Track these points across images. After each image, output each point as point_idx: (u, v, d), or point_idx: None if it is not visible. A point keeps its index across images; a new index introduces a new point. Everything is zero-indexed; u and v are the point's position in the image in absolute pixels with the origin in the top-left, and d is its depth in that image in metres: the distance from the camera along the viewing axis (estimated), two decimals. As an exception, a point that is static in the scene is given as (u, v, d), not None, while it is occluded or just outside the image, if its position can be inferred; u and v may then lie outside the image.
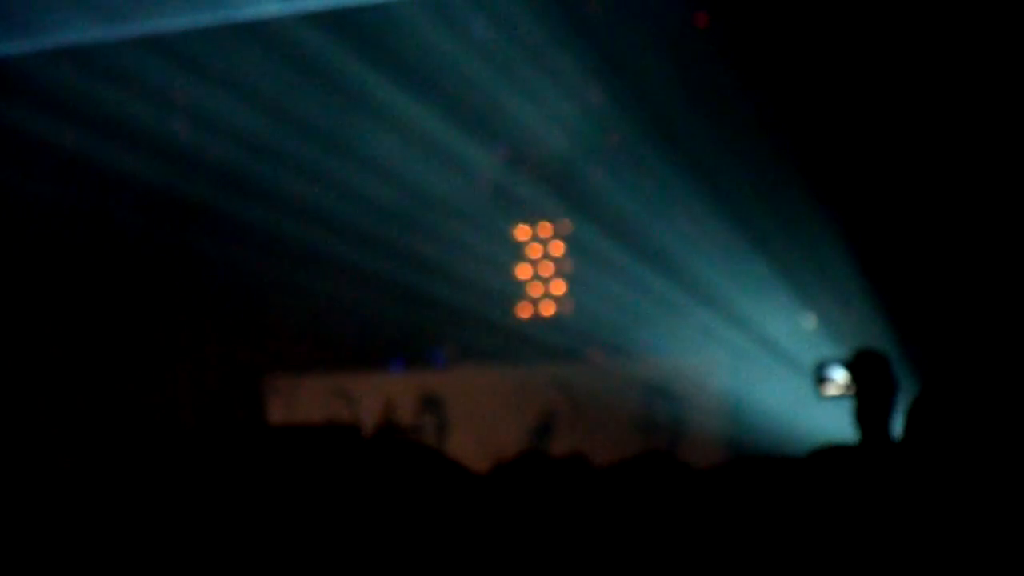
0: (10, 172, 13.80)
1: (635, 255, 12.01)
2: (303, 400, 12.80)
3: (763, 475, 3.27)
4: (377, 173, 12.90)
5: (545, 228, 12.74)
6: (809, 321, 11.60)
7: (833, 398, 7.78)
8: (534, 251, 12.74)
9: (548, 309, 12.62)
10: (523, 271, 12.75)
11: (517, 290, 12.71)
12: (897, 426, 6.22)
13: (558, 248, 12.70)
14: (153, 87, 13.67)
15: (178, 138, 13.50)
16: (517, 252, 12.82)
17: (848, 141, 11.13)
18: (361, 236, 12.90)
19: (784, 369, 11.27)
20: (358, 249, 12.88)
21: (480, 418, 12.16)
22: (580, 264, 12.45)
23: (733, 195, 11.58)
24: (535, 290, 12.70)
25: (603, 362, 12.29)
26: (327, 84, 12.99)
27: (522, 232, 12.75)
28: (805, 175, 11.17)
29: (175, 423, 13.20)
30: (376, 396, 12.76)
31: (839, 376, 7.38)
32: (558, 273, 12.66)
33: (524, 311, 12.68)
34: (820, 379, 7.83)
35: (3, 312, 14.12)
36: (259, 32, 13.15)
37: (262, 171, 12.98)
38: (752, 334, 11.53)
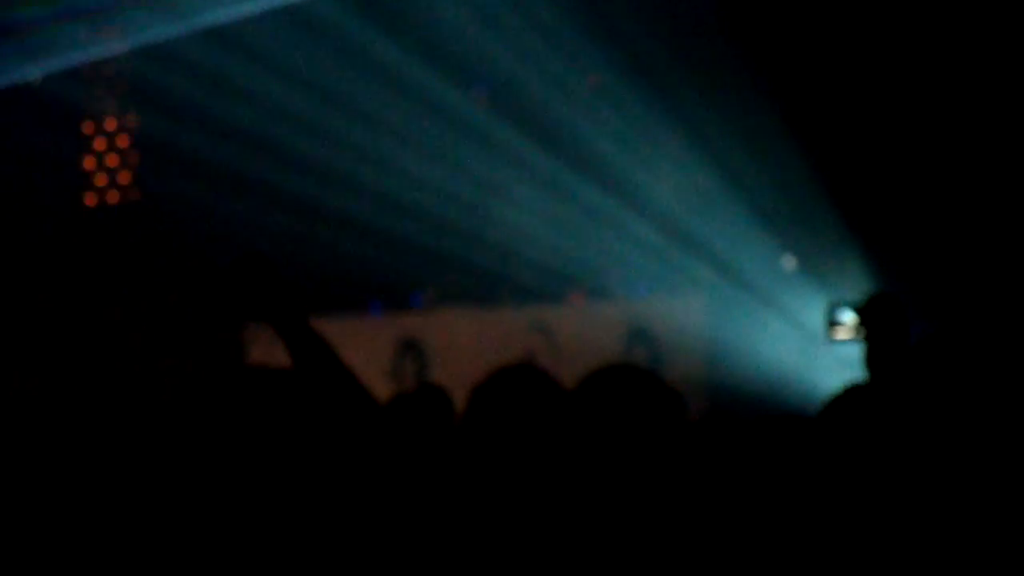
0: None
1: (614, 196, 11.99)
2: (282, 344, 12.78)
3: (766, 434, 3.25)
4: (355, 116, 12.85)
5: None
6: (789, 262, 11.60)
7: (843, 342, 7.77)
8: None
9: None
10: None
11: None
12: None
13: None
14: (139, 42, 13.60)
15: (152, 87, 13.44)
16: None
17: (833, 80, 11.10)
18: (338, 179, 12.87)
19: (764, 310, 11.29)
20: (334, 193, 12.84)
21: (459, 361, 12.15)
22: (564, 206, 12.43)
23: (714, 136, 11.56)
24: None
25: (583, 304, 12.29)
26: (310, 32, 12.92)
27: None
28: (787, 115, 11.15)
29: (157, 375, 13.19)
30: (355, 340, 12.74)
31: (849, 319, 7.35)
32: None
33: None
34: (830, 323, 7.82)
35: None
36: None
37: (234, 117, 12.91)
38: (732, 275, 11.53)
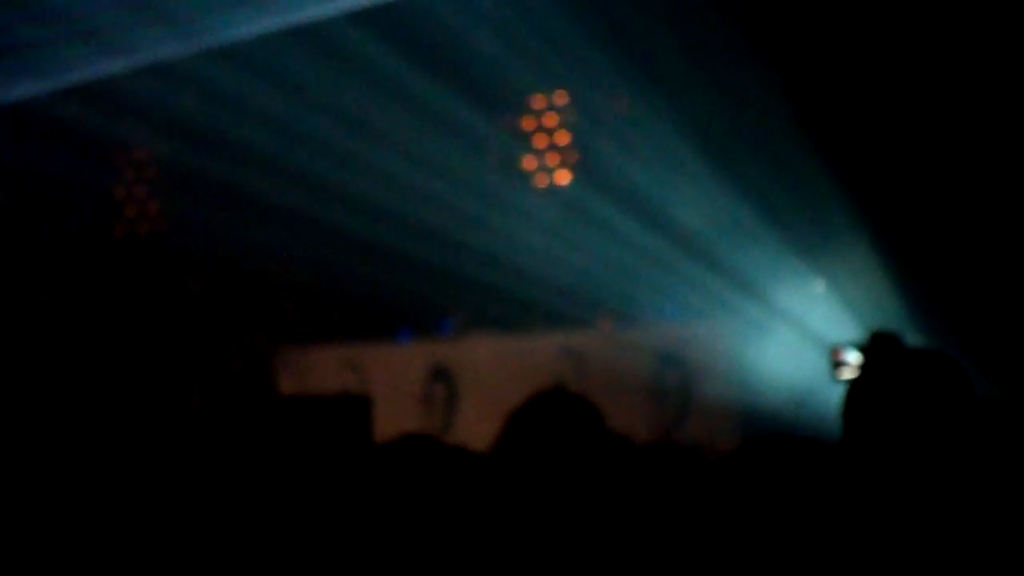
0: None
1: (643, 221, 12.00)
2: (313, 371, 12.82)
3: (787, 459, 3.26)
4: (386, 145, 12.90)
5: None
6: (819, 287, 11.59)
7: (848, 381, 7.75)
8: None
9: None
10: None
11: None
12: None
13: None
14: (156, 60, 13.67)
15: (183, 112, 13.51)
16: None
17: (863, 106, 11.10)
18: (369, 208, 12.91)
19: (794, 335, 11.27)
20: (364, 220, 12.88)
21: (489, 387, 12.16)
22: (586, 229, 12.44)
23: (744, 160, 11.56)
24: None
25: (612, 330, 12.30)
26: (332, 57, 12.97)
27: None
28: (818, 140, 11.15)
29: (189, 401, 13.24)
30: (386, 367, 12.78)
31: (854, 359, 7.35)
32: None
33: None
34: (835, 363, 7.81)
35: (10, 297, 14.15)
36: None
37: (265, 145, 12.98)
38: (762, 300, 11.52)
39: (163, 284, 14.15)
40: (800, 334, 11.22)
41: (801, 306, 11.41)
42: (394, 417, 11.68)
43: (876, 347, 6.51)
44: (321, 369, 12.82)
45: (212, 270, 13.89)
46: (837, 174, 11.16)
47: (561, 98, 12.92)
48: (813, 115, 11.19)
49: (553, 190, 12.94)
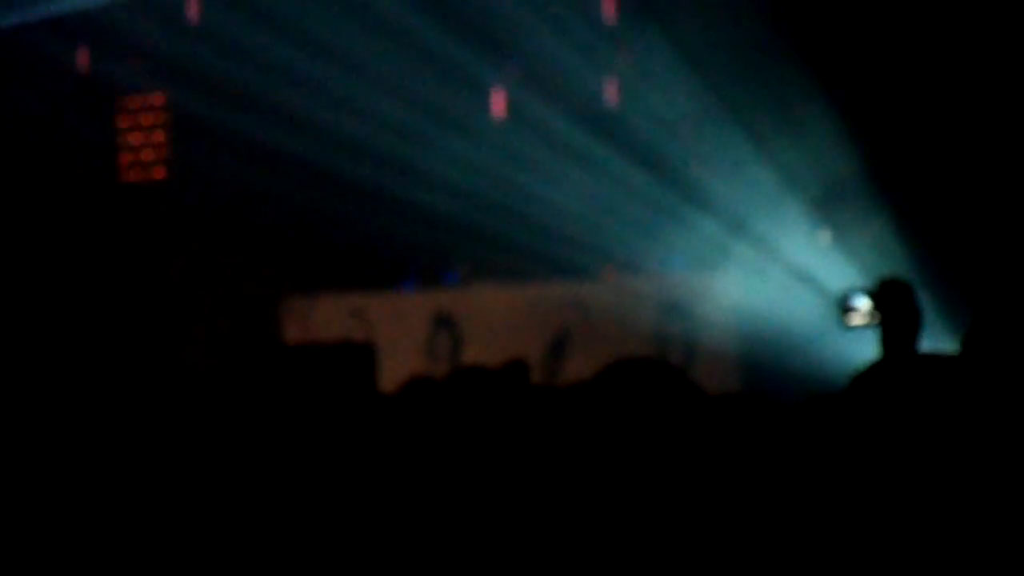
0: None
1: (648, 171, 11.99)
2: (318, 319, 12.84)
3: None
4: (390, 93, 12.88)
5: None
6: (824, 238, 11.59)
7: (857, 328, 7.76)
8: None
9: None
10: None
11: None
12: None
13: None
14: (164, 11, 13.65)
15: (185, 61, 13.49)
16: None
17: (870, 56, 11.07)
18: (374, 156, 12.91)
19: (797, 285, 11.28)
20: (372, 170, 12.88)
21: (494, 336, 12.18)
22: (592, 178, 12.44)
23: (749, 111, 11.55)
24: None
25: (616, 279, 12.31)
26: (336, 5, 12.94)
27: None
28: (823, 90, 11.13)
29: (195, 348, 13.27)
30: (390, 316, 12.80)
31: (863, 305, 7.35)
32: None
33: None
34: (844, 309, 7.81)
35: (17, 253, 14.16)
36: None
37: (271, 92, 12.96)
38: (766, 250, 11.53)
39: (169, 232, 14.16)
40: (805, 284, 11.23)
41: (806, 256, 11.42)
42: (398, 365, 11.71)
43: (886, 294, 6.49)
44: (326, 317, 12.84)
45: (218, 218, 13.89)
46: (843, 123, 11.14)
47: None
48: (821, 64, 11.17)
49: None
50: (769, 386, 10.39)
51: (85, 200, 14.23)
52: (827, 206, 11.45)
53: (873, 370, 3.06)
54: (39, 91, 13.89)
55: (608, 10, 12.38)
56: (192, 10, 13.66)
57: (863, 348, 7.63)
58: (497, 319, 12.32)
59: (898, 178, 11.08)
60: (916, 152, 10.99)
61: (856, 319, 7.73)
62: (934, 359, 2.94)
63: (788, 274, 11.36)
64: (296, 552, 3.42)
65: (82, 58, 13.92)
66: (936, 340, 6.58)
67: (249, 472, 3.76)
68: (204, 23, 13.42)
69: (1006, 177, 10.54)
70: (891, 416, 2.79)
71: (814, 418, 3.20)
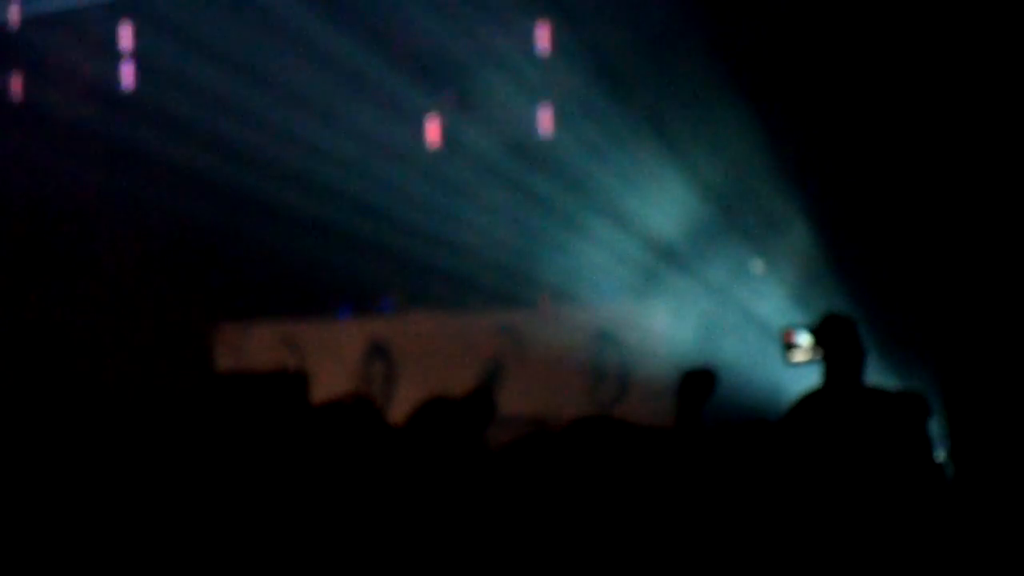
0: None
1: (582, 201, 12.03)
2: (251, 348, 12.78)
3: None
4: (325, 121, 12.87)
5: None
6: (757, 267, 11.65)
7: (800, 364, 7.81)
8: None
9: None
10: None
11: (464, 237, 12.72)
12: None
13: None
14: (97, 37, 13.59)
15: (123, 87, 13.43)
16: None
17: (807, 88, 11.14)
18: (308, 184, 12.87)
19: (731, 314, 11.33)
20: (305, 197, 12.85)
21: (428, 365, 12.16)
22: (531, 210, 12.47)
23: (683, 141, 11.60)
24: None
25: (550, 308, 12.32)
26: (270, 32, 12.92)
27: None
28: (755, 118, 11.19)
29: (124, 376, 13.17)
30: (324, 343, 12.76)
31: (805, 341, 7.39)
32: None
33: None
34: (786, 346, 7.85)
35: None
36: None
37: (206, 120, 12.91)
38: (700, 280, 11.57)
39: (101, 259, 14.06)
40: (738, 314, 11.28)
41: (739, 286, 11.47)
42: (331, 394, 11.65)
43: (828, 329, 6.52)
44: (259, 345, 12.78)
45: (149, 245, 13.81)
46: (780, 155, 11.21)
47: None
48: (753, 92, 11.24)
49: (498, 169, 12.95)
50: (704, 415, 10.42)
51: (16, 226, 14.10)
52: (760, 236, 11.52)
53: (811, 398, 3.09)
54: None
55: (542, 40, 12.41)
56: (124, 37, 13.60)
57: (799, 377, 7.67)
58: (431, 348, 12.30)
59: (831, 210, 11.16)
60: (850, 184, 11.07)
61: (798, 355, 7.77)
62: (872, 391, 2.97)
63: (721, 303, 11.41)
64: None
65: (15, 83, 13.82)
66: (874, 374, 6.61)
67: (180, 498, 3.73)
68: (136, 49, 13.36)
69: (942, 209, 10.63)
70: (828, 441, 2.81)
71: (752, 442, 3.21)
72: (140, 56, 13.37)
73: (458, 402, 3.72)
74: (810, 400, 5.71)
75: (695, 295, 11.55)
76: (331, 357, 12.48)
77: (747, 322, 11.19)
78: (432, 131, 13.02)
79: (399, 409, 12.77)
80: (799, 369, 8.22)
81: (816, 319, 6.72)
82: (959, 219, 10.54)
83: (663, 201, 11.80)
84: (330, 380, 11.87)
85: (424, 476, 3.38)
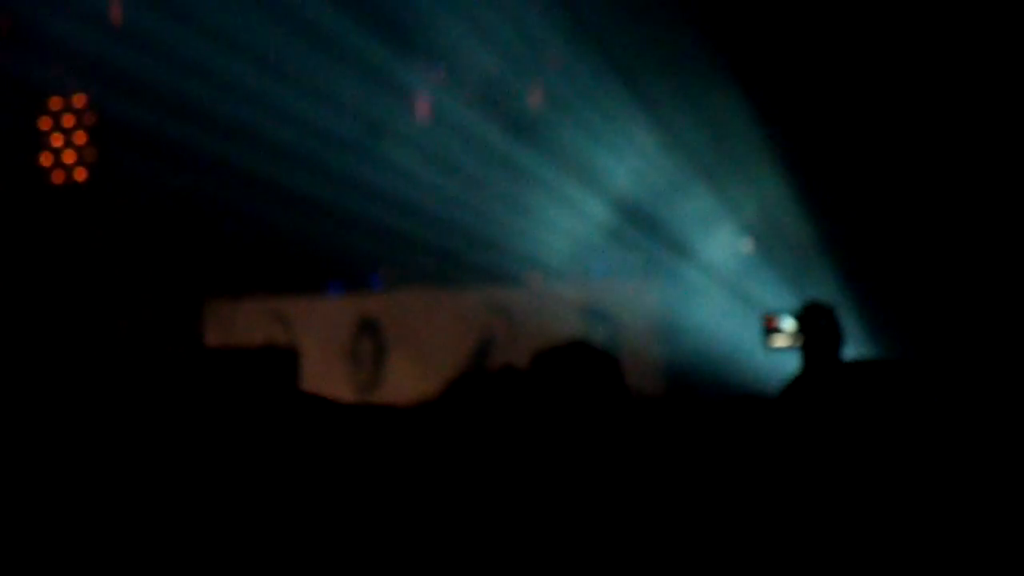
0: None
1: (574, 178, 12.03)
2: (241, 324, 12.79)
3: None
4: (315, 97, 12.86)
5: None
6: (746, 246, 11.68)
7: (780, 349, 7.85)
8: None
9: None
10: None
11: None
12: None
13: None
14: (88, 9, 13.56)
15: (116, 62, 13.40)
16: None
17: (798, 65, 11.15)
18: (299, 160, 12.87)
19: (720, 292, 11.36)
20: (296, 174, 12.85)
21: (418, 341, 12.18)
22: (521, 187, 12.48)
23: (675, 120, 11.61)
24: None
25: (540, 285, 12.34)
26: (261, 8, 12.90)
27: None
28: (751, 101, 11.20)
29: (113, 351, 13.17)
30: (314, 320, 12.77)
31: (789, 327, 7.43)
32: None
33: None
34: (768, 330, 7.88)
35: None
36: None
37: (197, 95, 12.89)
38: (689, 258, 11.60)
39: (91, 234, 14.05)
40: (727, 292, 11.31)
41: (727, 264, 11.50)
42: (321, 370, 11.68)
43: (808, 316, 6.60)
44: (248, 321, 12.79)
45: (140, 221, 13.80)
46: (774, 135, 11.22)
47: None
48: (746, 74, 11.24)
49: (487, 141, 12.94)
50: (692, 392, 10.46)
51: (7, 201, 14.09)
52: (751, 215, 11.54)
53: (807, 377, 3.11)
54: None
55: (535, 15, 12.41)
56: (115, 11, 13.57)
57: (786, 359, 7.71)
58: (421, 324, 12.31)
59: (822, 188, 11.18)
60: (843, 165, 11.08)
61: (779, 341, 7.80)
62: (863, 365, 2.98)
63: (711, 281, 11.44)
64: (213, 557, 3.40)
65: (5, 58, 13.79)
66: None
67: (170, 476, 3.74)
68: (128, 24, 13.34)
69: (937, 189, 10.64)
70: (832, 418, 2.82)
71: (748, 417, 3.23)
72: (128, 31, 13.33)
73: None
74: (807, 380, 5.76)
75: (684, 273, 11.57)
76: (321, 333, 12.50)
77: (736, 300, 11.22)
78: (422, 107, 13.02)
79: (390, 385, 12.82)
80: (781, 353, 8.26)
81: (799, 306, 6.79)
82: (955, 200, 10.56)
83: (654, 179, 11.81)
84: (320, 357, 11.90)
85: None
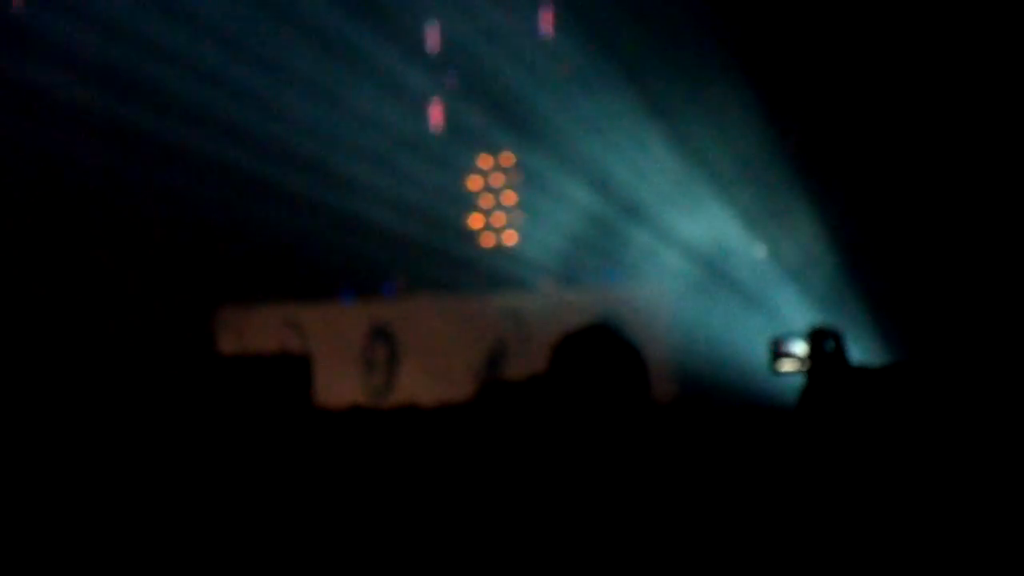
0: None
1: (586, 185, 12.04)
2: (254, 330, 12.80)
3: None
4: (329, 105, 12.88)
5: (487, 160, 12.83)
6: (760, 251, 11.67)
7: (787, 374, 7.83)
8: (495, 180, 12.82)
9: (509, 239, 12.72)
10: (485, 200, 12.83)
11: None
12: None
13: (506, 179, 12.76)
14: (103, 17, 13.59)
15: (127, 68, 13.42)
16: (471, 184, 12.87)
17: (812, 73, 11.14)
18: (312, 168, 12.89)
19: (732, 299, 11.35)
20: (308, 181, 12.86)
21: (431, 348, 12.19)
22: (530, 195, 12.49)
23: (690, 126, 11.60)
24: (497, 221, 12.81)
25: (553, 291, 12.34)
26: (276, 17, 12.93)
27: (483, 161, 12.82)
28: (766, 108, 11.19)
29: (129, 356, 13.19)
30: (328, 327, 12.78)
31: (798, 350, 7.40)
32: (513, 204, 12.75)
33: (487, 240, 12.81)
34: (776, 355, 7.86)
35: None
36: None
37: (211, 102, 12.92)
38: (703, 264, 11.59)
39: (104, 242, 14.07)
40: (739, 298, 11.30)
41: (742, 271, 11.49)
42: (335, 376, 11.69)
43: (816, 341, 6.60)
44: (262, 328, 12.80)
45: (154, 228, 13.83)
46: (787, 144, 11.21)
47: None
48: (762, 84, 11.24)
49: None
50: (703, 394, 10.46)
51: (19, 206, 14.11)
52: (763, 221, 11.53)
53: (820, 384, 3.12)
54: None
55: (546, 23, 12.42)
56: (124, 16, 13.59)
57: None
58: (434, 331, 12.32)
59: (834, 194, 11.17)
60: (855, 169, 11.08)
61: (787, 365, 7.78)
62: (875, 371, 2.99)
63: (723, 288, 11.43)
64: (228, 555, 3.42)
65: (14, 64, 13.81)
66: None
67: (185, 479, 3.77)
68: (141, 29, 13.36)
69: (951, 192, 10.62)
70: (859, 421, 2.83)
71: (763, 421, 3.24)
72: (142, 37, 13.35)
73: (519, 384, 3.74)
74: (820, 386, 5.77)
75: (696, 279, 11.56)
76: (334, 340, 12.51)
77: (749, 306, 11.21)
78: (435, 114, 13.04)
79: (403, 391, 12.84)
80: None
81: (806, 329, 6.80)
82: (968, 201, 10.55)
83: (666, 185, 11.81)
84: (333, 363, 11.91)
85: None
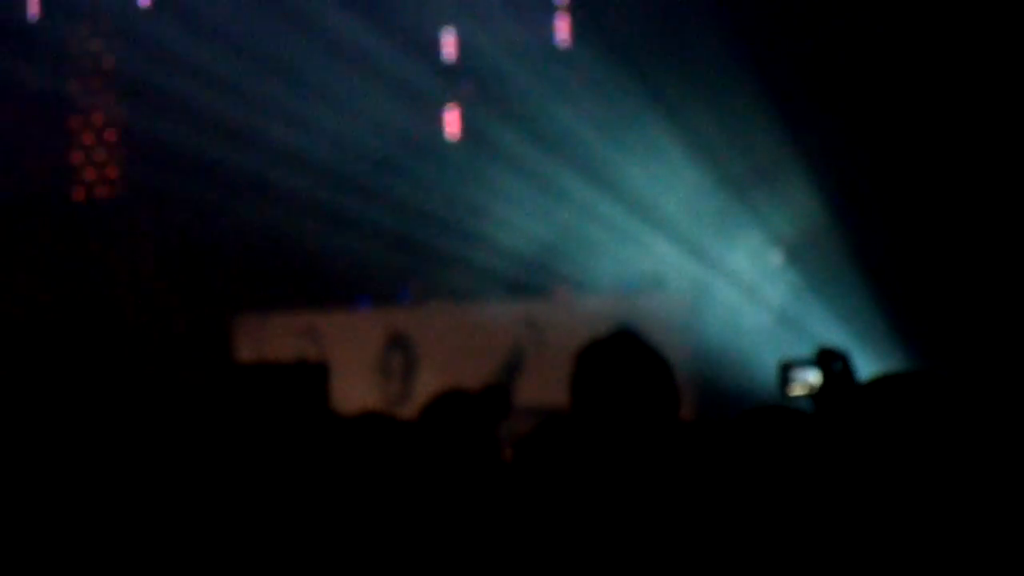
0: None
1: (602, 191, 12.04)
2: (271, 338, 12.82)
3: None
4: (344, 112, 12.90)
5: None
6: (776, 257, 11.66)
7: (799, 398, 7.83)
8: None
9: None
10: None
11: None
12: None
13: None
14: (114, 24, 13.64)
15: (140, 75, 13.47)
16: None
17: (826, 75, 11.13)
18: (328, 175, 12.91)
19: (747, 305, 11.34)
20: (326, 189, 12.89)
21: (447, 355, 12.20)
22: (550, 201, 12.49)
23: (705, 132, 11.59)
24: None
25: (569, 298, 12.34)
26: (292, 25, 12.96)
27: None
28: (780, 113, 11.18)
29: (145, 367, 13.23)
30: (344, 334, 12.80)
31: (810, 376, 7.39)
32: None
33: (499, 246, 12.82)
34: (786, 379, 7.85)
35: None
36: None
37: (226, 111, 12.95)
38: (719, 270, 11.59)
39: (120, 250, 14.12)
40: (755, 304, 11.29)
41: (757, 277, 11.48)
42: (351, 384, 11.71)
43: (823, 363, 6.59)
44: (279, 336, 12.82)
45: (170, 236, 13.87)
46: (802, 149, 11.21)
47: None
48: (778, 89, 11.23)
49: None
50: (721, 405, 10.45)
51: (36, 218, 14.16)
52: (780, 227, 11.53)
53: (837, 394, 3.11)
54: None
55: (562, 32, 12.43)
56: (143, 27, 13.64)
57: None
58: (450, 338, 12.33)
59: (852, 199, 11.16)
60: (872, 173, 11.07)
61: (798, 389, 7.78)
62: (893, 380, 2.97)
63: (739, 293, 11.42)
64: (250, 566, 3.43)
65: (31, 74, 13.87)
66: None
67: (201, 490, 3.77)
68: (156, 40, 13.40)
69: (968, 198, 10.61)
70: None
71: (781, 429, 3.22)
72: (157, 47, 13.39)
73: (472, 396, 3.73)
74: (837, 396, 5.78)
75: (714, 285, 11.56)
76: (351, 348, 12.52)
77: (765, 312, 11.20)
78: (451, 122, 13.05)
79: (419, 399, 12.78)
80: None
81: (813, 353, 6.80)
82: (986, 205, 10.54)
83: (683, 191, 11.81)
84: (350, 371, 11.92)
85: (436, 471, 3.41)
